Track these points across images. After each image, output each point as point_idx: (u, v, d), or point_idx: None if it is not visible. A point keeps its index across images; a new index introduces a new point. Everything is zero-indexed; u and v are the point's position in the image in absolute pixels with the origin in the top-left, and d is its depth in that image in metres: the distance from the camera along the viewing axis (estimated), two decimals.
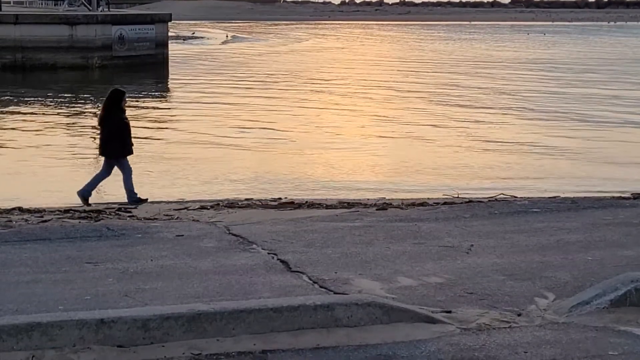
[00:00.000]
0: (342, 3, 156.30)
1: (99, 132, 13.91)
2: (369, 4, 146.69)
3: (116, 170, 13.77)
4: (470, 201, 12.58)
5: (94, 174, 14.05)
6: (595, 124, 25.40)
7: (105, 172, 13.83)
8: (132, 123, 14.15)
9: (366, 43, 71.44)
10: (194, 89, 35.00)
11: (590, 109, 28.87)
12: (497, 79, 39.79)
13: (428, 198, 13.78)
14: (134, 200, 13.56)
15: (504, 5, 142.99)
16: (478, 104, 30.05)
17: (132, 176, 13.71)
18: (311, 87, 35.92)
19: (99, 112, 14.01)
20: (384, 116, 27.10)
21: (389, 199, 13.76)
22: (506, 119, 26.42)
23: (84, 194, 13.65)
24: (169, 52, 46.23)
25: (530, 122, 25.72)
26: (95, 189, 13.82)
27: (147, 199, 13.73)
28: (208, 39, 73.36)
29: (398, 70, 44.70)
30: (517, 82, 38.61)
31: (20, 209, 12.09)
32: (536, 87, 36.15)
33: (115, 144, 13.59)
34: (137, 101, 31.86)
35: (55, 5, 58.70)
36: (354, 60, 52.11)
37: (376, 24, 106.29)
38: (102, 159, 13.93)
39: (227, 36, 76.53)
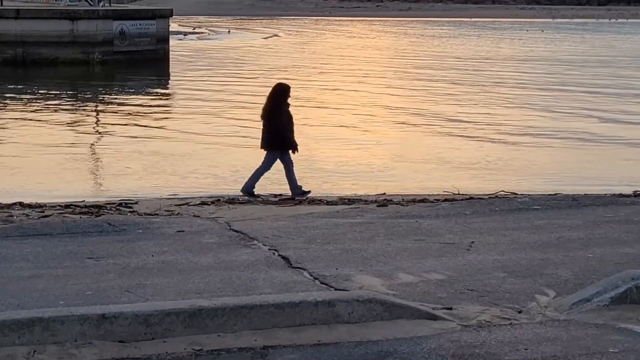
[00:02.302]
0: None
1: (263, 125, 13.99)
2: (370, 0, 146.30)
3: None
4: (470, 198, 12.60)
5: (255, 168, 14.12)
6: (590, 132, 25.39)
7: (267, 166, 14.00)
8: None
9: (352, 39, 71.39)
10: (194, 85, 34.99)
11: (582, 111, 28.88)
12: (490, 76, 39.76)
13: (429, 195, 13.80)
14: (298, 193, 13.73)
15: (505, 2, 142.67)
16: (473, 104, 30.05)
17: (295, 169, 13.95)
18: (311, 82, 35.90)
19: (263, 105, 14.13)
20: (380, 115, 27.09)
21: (389, 196, 13.78)
22: (505, 118, 26.42)
23: (248, 189, 13.83)
24: (170, 48, 46.19)
25: (525, 123, 25.71)
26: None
27: (309, 191, 13.91)
28: (209, 34, 73.31)
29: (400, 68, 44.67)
30: (511, 80, 38.60)
31: (21, 204, 12.11)
32: (529, 88, 36.12)
33: (280, 138, 13.76)
34: (138, 97, 31.87)
35: (56, 0, 58.64)
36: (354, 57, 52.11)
37: (375, 20, 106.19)
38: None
39: (229, 31, 76.46)
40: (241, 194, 13.87)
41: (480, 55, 53.02)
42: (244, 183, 14.13)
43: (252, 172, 14.11)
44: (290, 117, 13.89)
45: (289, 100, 13.99)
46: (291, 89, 14.11)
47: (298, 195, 13.70)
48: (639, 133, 23.42)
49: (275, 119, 13.77)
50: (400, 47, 60.09)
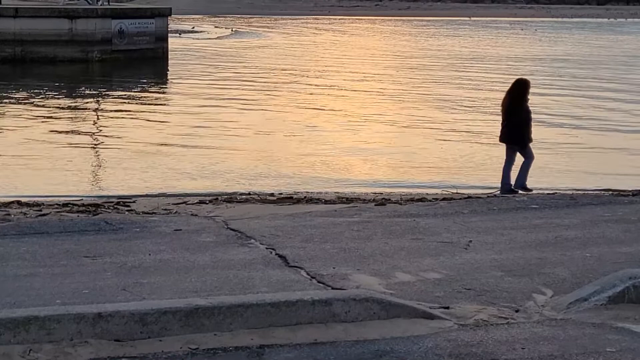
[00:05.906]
0: None
1: (503, 119, 14.12)
2: None
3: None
4: (469, 197, 12.58)
5: (503, 167, 14.23)
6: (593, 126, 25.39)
7: (509, 160, 14.14)
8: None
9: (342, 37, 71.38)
10: (193, 83, 34.97)
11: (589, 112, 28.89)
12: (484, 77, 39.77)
13: (427, 194, 13.79)
14: (522, 187, 13.83)
15: (504, 1, 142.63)
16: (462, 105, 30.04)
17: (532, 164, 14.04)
18: (310, 85, 35.90)
19: (502, 101, 14.27)
20: (377, 115, 27.08)
21: (387, 195, 13.77)
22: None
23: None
24: (169, 46, 46.15)
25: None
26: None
27: (531, 190, 13.94)
28: (208, 33, 73.27)
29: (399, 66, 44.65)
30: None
31: (18, 202, 12.09)
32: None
33: (522, 132, 13.92)
34: (136, 95, 31.85)
35: None
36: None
37: (373, 19, 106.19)
38: None
39: (232, 30, 76.34)
40: (500, 193, 13.89)
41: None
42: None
43: (502, 171, 14.21)
44: (528, 112, 14.06)
45: (529, 96, 14.11)
46: (530, 84, 14.16)
47: (521, 188, 13.77)
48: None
49: (515, 114, 13.92)
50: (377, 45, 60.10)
